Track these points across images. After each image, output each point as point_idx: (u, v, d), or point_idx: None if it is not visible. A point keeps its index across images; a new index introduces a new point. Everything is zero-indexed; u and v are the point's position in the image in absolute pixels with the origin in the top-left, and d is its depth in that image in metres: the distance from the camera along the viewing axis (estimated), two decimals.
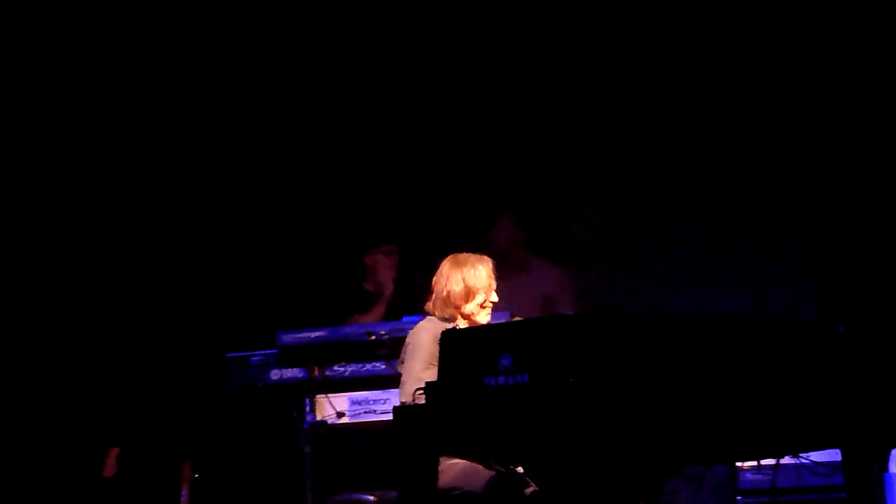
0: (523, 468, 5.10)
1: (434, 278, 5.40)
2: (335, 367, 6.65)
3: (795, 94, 7.97)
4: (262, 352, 6.81)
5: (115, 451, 6.88)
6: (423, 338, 5.16)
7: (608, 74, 8.24)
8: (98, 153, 8.15)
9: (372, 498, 6.28)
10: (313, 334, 6.64)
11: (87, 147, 8.13)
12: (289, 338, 6.68)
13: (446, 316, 5.31)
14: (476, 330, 4.93)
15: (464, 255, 5.39)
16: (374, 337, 6.49)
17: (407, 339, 5.34)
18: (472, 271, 5.30)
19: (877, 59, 7.73)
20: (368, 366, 6.62)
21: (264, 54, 8.30)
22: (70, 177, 8.11)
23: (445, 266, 5.38)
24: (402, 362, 5.29)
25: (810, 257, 7.95)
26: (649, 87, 8.17)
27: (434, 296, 5.37)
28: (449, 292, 5.29)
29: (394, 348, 6.44)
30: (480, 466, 4.99)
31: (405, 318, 6.67)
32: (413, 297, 6.80)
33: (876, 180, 7.74)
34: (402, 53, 8.28)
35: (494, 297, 5.32)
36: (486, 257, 5.39)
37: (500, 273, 5.45)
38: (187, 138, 8.27)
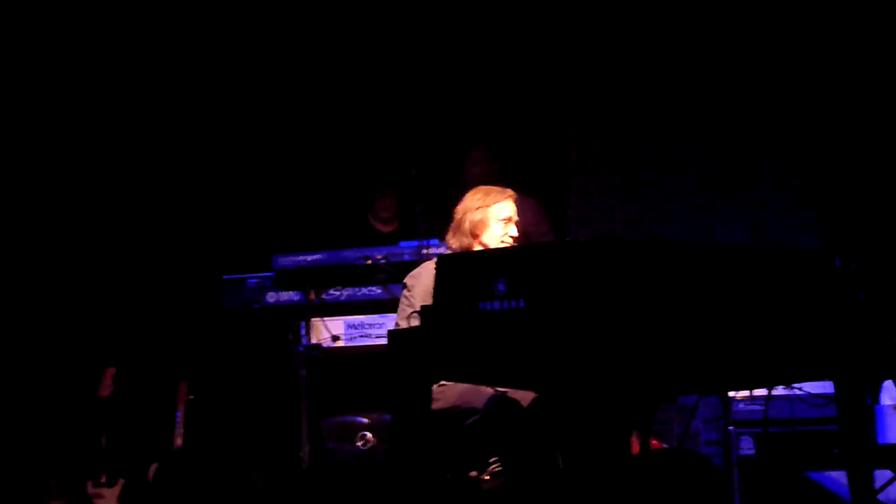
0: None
1: (456, 206, 5.35)
2: (331, 291, 6.66)
3: (798, 24, 7.93)
4: (258, 274, 6.81)
5: (111, 371, 6.89)
6: (423, 277, 5.11)
7: (611, 6, 8.19)
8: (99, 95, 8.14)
9: (366, 420, 6.32)
10: (310, 257, 6.64)
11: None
12: (285, 260, 6.69)
13: (463, 245, 5.26)
14: (472, 254, 4.91)
15: (487, 187, 5.35)
16: (370, 261, 6.49)
17: (409, 274, 5.29)
18: (493, 202, 5.26)
19: None
20: (364, 290, 6.63)
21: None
22: (78, 100, 8.10)
23: (468, 195, 5.33)
24: (403, 298, 5.25)
25: (810, 189, 7.94)
26: (651, 14, 8.12)
27: (453, 224, 5.32)
28: (469, 221, 5.25)
29: (390, 273, 6.45)
30: (481, 387, 5.00)
31: (402, 243, 6.67)
32: (411, 222, 6.79)
33: (877, 113, 7.71)
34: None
35: (514, 232, 5.27)
36: (510, 191, 5.32)
37: None
38: (190, 69, 8.24)
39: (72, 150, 8.08)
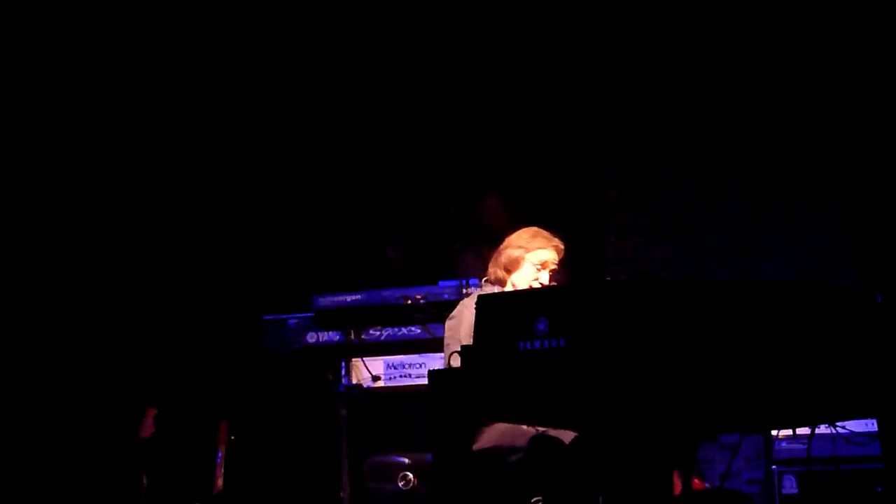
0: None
1: (506, 237, 5.40)
2: (371, 331, 6.67)
3: (835, 63, 7.92)
4: (298, 315, 6.83)
5: (152, 412, 6.91)
6: (466, 316, 5.13)
7: (647, 44, 8.21)
8: (151, 118, 8.20)
9: (407, 460, 6.31)
10: (350, 297, 6.66)
11: (142, 113, 8.19)
12: (325, 301, 6.71)
13: (498, 276, 5.32)
14: (512, 294, 4.91)
15: (538, 230, 5.39)
16: (410, 301, 6.50)
17: (448, 320, 5.31)
18: (535, 247, 5.30)
19: None
20: (404, 329, 6.64)
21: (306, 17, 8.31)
22: (118, 141, 8.15)
23: (519, 232, 5.39)
24: (446, 340, 5.27)
25: (848, 226, 7.91)
26: (688, 56, 8.14)
27: (496, 252, 5.38)
28: (506, 255, 5.30)
29: (430, 312, 6.46)
30: (523, 426, 5.00)
31: (441, 283, 6.68)
32: (450, 261, 6.80)
33: None
34: (450, 28, 8.28)
35: (545, 279, 5.30)
36: (557, 241, 5.37)
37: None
38: (233, 104, 8.29)
39: (119, 191, 8.14)
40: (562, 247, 5.36)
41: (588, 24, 8.21)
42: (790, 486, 6.43)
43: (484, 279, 5.47)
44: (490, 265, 5.40)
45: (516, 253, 5.30)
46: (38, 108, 7.96)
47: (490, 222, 6.88)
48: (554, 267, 5.33)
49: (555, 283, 5.37)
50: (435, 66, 8.28)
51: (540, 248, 5.30)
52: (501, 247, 5.36)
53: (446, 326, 5.27)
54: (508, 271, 5.30)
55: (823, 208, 7.98)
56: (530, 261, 5.28)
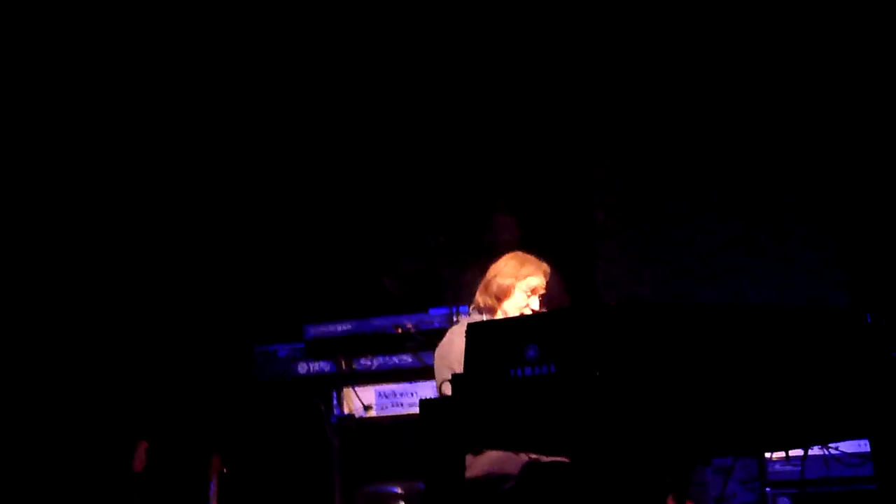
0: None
1: (491, 265, 5.39)
2: (362, 360, 6.66)
3: (823, 82, 7.94)
4: (289, 345, 6.83)
5: (144, 445, 6.90)
6: (457, 343, 5.11)
7: (635, 65, 8.23)
8: (124, 145, 8.19)
9: (400, 490, 6.29)
10: (340, 327, 6.66)
11: (117, 138, 8.18)
12: (316, 331, 6.71)
13: (488, 304, 5.31)
14: (502, 322, 4.91)
15: (525, 256, 5.38)
16: (401, 330, 6.51)
17: (438, 348, 5.30)
18: (525, 275, 5.30)
19: None
20: (395, 358, 6.63)
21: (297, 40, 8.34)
22: (97, 169, 8.14)
23: (505, 257, 5.38)
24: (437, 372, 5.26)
25: (838, 247, 7.92)
26: (676, 77, 8.16)
27: (483, 281, 5.37)
28: (496, 284, 5.29)
29: (421, 341, 6.46)
30: (515, 454, 4.99)
31: (432, 311, 6.68)
32: (439, 288, 6.80)
33: None
34: (431, 46, 8.30)
35: (535, 305, 5.30)
36: (545, 266, 5.37)
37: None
38: (216, 131, 8.29)
39: (109, 221, 8.13)
40: (549, 269, 5.36)
41: (575, 46, 8.23)
42: None
43: (472, 307, 5.47)
44: (478, 294, 5.38)
45: (507, 282, 5.29)
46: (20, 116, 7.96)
47: (483, 247, 6.89)
48: (543, 291, 5.34)
49: (544, 309, 5.37)
50: (418, 88, 8.29)
51: (530, 275, 5.30)
52: (489, 276, 5.35)
53: (436, 355, 5.26)
54: (499, 300, 5.30)
55: (811, 228, 7.99)
56: (521, 288, 5.28)
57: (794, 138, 8.01)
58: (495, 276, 5.32)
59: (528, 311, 5.26)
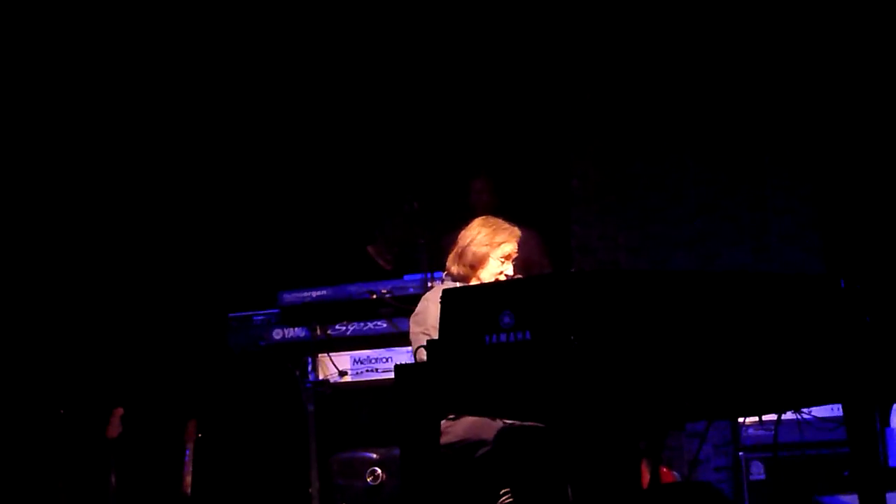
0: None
1: (462, 232, 5.38)
2: (337, 326, 6.66)
3: (799, 45, 7.94)
4: (264, 311, 6.82)
5: (119, 412, 6.88)
6: (432, 309, 5.11)
7: (608, 28, 8.21)
8: (104, 118, 8.15)
9: (375, 456, 6.30)
10: (315, 293, 6.65)
11: (93, 112, 8.14)
12: (290, 297, 6.70)
13: (461, 273, 5.30)
14: (477, 288, 4.92)
15: (496, 222, 5.37)
16: (375, 296, 6.50)
17: (413, 314, 5.30)
18: (499, 242, 5.29)
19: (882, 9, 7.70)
20: (370, 324, 6.63)
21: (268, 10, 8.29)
22: (77, 139, 8.11)
23: (476, 224, 5.36)
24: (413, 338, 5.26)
25: (813, 212, 7.94)
26: (649, 40, 8.14)
27: (456, 249, 5.35)
28: (471, 253, 5.28)
29: (395, 307, 6.45)
30: (490, 419, 5.01)
31: (406, 277, 6.67)
32: (414, 255, 6.80)
33: (880, 134, 7.72)
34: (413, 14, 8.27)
35: (510, 270, 5.30)
36: (517, 231, 5.36)
37: None
38: (191, 100, 8.26)
39: (80, 183, 8.10)
40: (520, 234, 5.36)
41: (548, 11, 8.20)
42: (758, 472, 6.47)
43: (445, 274, 5.47)
44: (450, 262, 5.37)
45: (482, 250, 5.28)
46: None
47: (458, 213, 6.88)
48: (515, 255, 5.34)
49: (521, 274, 5.38)
50: (394, 55, 8.26)
51: (504, 242, 5.30)
52: (461, 244, 5.33)
53: (411, 322, 5.26)
54: (474, 268, 5.29)
55: (786, 194, 8.00)
56: (495, 256, 5.28)
57: (771, 103, 8.01)
58: (469, 244, 5.31)
59: (502, 278, 5.27)
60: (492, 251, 5.28)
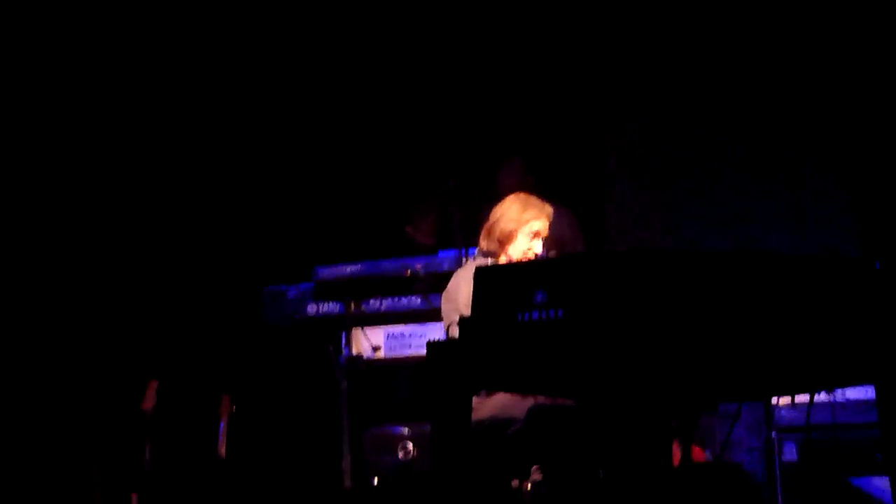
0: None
1: (494, 207, 5.39)
2: (371, 302, 6.68)
3: (839, 27, 7.88)
4: (298, 285, 6.84)
5: (154, 384, 6.93)
6: (464, 286, 5.12)
7: (648, 6, 8.17)
8: (126, 97, 8.20)
9: (407, 431, 6.33)
10: (350, 268, 6.67)
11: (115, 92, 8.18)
12: (326, 272, 6.71)
13: (490, 249, 5.32)
14: (510, 266, 4.92)
15: (528, 198, 5.37)
16: (410, 272, 6.51)
17: (446, 291, 5.31)
18: (528, 219, 5.29)
19: None
20: (405, 300, 6.65)
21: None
22: (117, 116, 8.16)
23: (507, 200, 5.38)
24: (445, 314, 5.28)
25: (851, 195, 7.89)
26: (690, 19, 8.10)
27: (487, 224, 5.37)
28: (500, 229, 5.29)
29: (430, 283, 6.46)
30: (521, 397, 5.01)
31: (441, 253, 6.68)
32: (449, 232, 6.80)
33: None
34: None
35: (538, 248, 5.30)
36: (548, 208, 5.36)
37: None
38: (230, 78, 8.29)
39: (115, 165, 8.15)
40: (552, 211, 5.36)
41: None
42: (790, 452, 6.45)
43: (477, 251, 5.48)
44: (481, 238, 5.39)
45: (510, 226, 5.29)
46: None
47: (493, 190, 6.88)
48: (546, 234, 5.34)
49: (551, 251, 5.37)
50: (428, 33, 8.26)
51: (533, 219, 5.30)
52: (492, 219, 5.35)
53: (443, 298, 5.28)
54: (502, 244, 5.30)
55: (824, 177, 7.96)
56: (523, 233, 5.28)
57: (810, 85, 7.96)
58: (498, 220, 5.32)
59: (531, 255, 5.27)
60: (520, 227, 5.28)
